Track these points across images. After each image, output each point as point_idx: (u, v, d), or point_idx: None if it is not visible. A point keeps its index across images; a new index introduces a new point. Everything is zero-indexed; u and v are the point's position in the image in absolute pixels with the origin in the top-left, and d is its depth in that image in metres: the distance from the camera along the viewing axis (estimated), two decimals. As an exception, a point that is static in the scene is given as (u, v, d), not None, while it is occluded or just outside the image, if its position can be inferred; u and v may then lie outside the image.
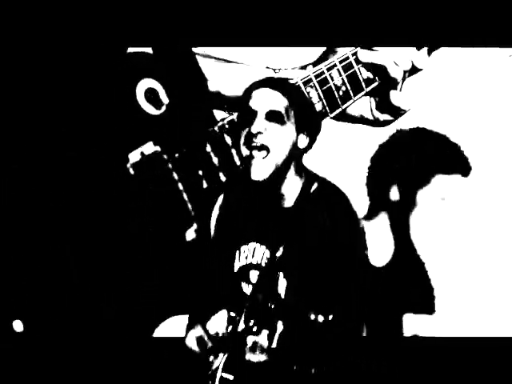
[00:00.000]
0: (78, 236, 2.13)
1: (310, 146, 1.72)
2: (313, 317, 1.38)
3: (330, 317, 1.39)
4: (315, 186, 1.70)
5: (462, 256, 2.32)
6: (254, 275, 1.70)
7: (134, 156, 2.03)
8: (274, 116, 1.63)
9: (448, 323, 2.30)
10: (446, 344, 2.18)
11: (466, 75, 2.37)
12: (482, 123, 2.40)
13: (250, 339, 1.43)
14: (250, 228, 1.72)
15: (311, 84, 2.11)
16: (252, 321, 1.54)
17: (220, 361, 1.59)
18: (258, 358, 1.42)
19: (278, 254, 1.63)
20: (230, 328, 1.63)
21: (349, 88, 2.11)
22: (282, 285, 1.62)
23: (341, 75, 2.09)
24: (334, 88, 2.10)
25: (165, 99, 2.13)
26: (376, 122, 2.20)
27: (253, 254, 1.71)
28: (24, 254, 2.10)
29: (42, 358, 2.08)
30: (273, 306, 1.52)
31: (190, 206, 2.04)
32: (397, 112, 2.12)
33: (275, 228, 1.66)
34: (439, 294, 2.28)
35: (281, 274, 1.63)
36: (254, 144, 1.60)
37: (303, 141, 1.69)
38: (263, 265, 1.67)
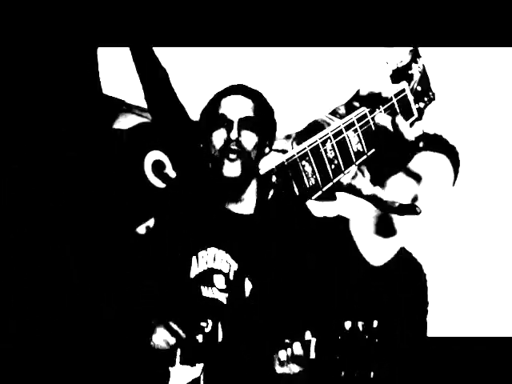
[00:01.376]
0: (78, 236, 2.13)
1: (268, 154, 1.79)
2: (348, 325, 1.38)
3: (375, 323, 1.38)
4: (271, 192, 1.75)
5: (461, 254, 2.32)
6: (218, 279, 1.74)
7: (141, 229, 2.12)
8: (246, 123, 1.72)
9: (447, 323, 2.30)
10: (444, 345, 2.18)
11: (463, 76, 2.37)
12: (480, 123, 2.40)
13: (283, 353, 1.45)
14: (207, 234, 1.78)
15: (307, 158, 2.03)
16: (232, 332, 1.63)
17: (200, 371, 1.66)
18: (293, 369, 1.44)
19: (244, 259, 1.70)
20: (202, 336, 1.68)
21: (340, 161, 2.00)
22: (248, 288, 1.68)
23: (333, 148, 1.97)
24: (327, 161, 1.98)
25: (171, 173, 2.20)
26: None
27: (214, 259, 1.75)
28: (24, 254, 2.10)
29: (41, 358, 2.08)
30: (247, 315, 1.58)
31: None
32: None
33: (238, 234, 1.74)
34: (439, 294, 2.28)
35: (246, 279, 1.68)
36: (230, 149, 1.70)
37: (266, 148, 1.80)
38: (226, 270, 1.72)
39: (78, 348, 2.06)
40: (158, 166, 2.23)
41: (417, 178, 1.66)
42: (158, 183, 2.24)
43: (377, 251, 1.65)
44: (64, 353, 2.07)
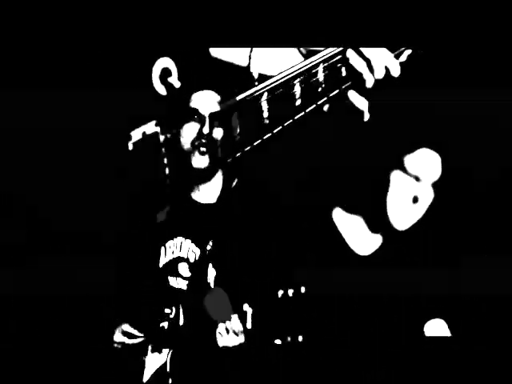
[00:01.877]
0: (78, 236, 2.14)
1: (232, 148, 1.89)
2: (281, 293, 1.46)
3: (303, 289, 1.46)
4: (235, 182, 1.87)
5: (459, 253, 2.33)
6: (182, 267, 1.83)
7: (136, 134, 2.08)
8: (217, 118, 1.81)
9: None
10: (443, 345, 2.19)
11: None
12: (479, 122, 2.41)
13: (222, 326, 1.55)
14: (175, 223, 1.86)
15: (299, 79, 2.12)
16: (191, 316, 1.74)
17: (166, 357, 1.77)
18: (233, 341, 1.55)
19: (208, 247, 1.79)
20: (167, 324, 1.80)
21: (327, 85, 2.12)
22: (212, 275, 1.77)
23: (324, 71, 2.09)
24: (315, 84, 2.11)
25: (176, 83, 2.23)
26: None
27: (180, 248, 1.84)
28: (24, 254, 2.11)
29: (41, 358, 2.09)
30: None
31: (168, 190, 2.08)
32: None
33: (202, 223, 1.82)
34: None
35: (210, 265, 1.78)
36: (202, 143, 1.78)
37: (231, 141, 1.87)
38: (191, 258, 1.82)
39: (78, 348, 2.07)
40: (165, 74, 2.27)
41: (415, 177, 1.68)
42: (163, 91, 2.27)
43: (363, 240, 1.67)
44: (64, 353, 2.08)
